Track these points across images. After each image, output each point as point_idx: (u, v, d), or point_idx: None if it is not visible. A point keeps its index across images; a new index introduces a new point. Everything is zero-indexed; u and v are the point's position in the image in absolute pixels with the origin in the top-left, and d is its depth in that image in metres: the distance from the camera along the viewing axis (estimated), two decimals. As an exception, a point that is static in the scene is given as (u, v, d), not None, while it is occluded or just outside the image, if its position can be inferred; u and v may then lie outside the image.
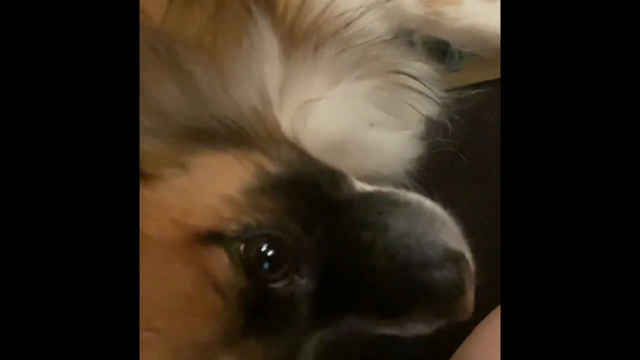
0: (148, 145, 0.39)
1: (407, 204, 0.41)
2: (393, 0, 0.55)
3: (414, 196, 0.42)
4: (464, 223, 0.43)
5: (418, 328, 0.39)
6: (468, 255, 0.40)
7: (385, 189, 0.43)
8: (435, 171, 0.53)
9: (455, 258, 0.39)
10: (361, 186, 0.44)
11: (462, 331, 0.51)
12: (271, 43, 0.45)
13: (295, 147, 0.44)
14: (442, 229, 0.40)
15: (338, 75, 0.47)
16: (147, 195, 0.38)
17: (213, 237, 0.38)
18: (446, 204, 0.43)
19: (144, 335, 0.35)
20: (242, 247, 0.37)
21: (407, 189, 0.51)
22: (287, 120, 0.45)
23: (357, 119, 0.47)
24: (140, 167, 0.39)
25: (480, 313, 0.50)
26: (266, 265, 0.38)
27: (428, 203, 0.42)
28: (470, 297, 0.40)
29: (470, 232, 0.45)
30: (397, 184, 0.51)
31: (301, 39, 0.47)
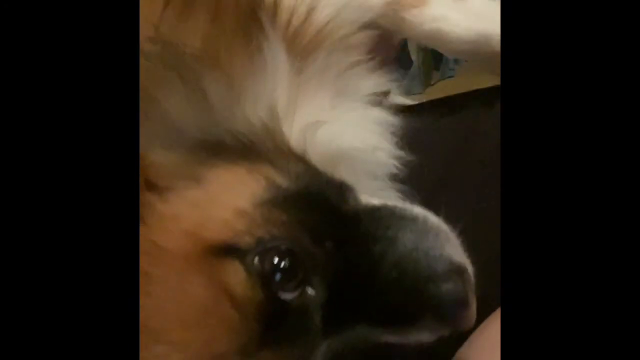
0: (161, 158, 0.40)
1: (413, 218, 0.42)
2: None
3: (419, 211, 0.43)
4: (462, 231, 0.45)
5: (422, 336, 0.41)
6: (470, 267, 0.42)
7: (391, 202, 0.44)
8: (432, 179, 0.55)
9: (460, 271, 0.40)
10: (366, 199, 0.45)
11: (460, 336, 0.53)
12: (281, 56, 0.46)
13: (302, 160, 0.45)
14: (446, 243, 0.41)
15: (343, 92, 0.48)
16: (162, 208, 0.39)
17: (228, 250, 0.38)
18: (443, 212, 0.45)
19: (160, 348, 0.36)
20: (257, 259, 0.38)
21: (407, 199, 0.52)
22: (295, 134, 0.45)
23: (363, 137, 0.48)
24: (154, 179, 0.40)
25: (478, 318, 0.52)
26: (278, 277, 0.38)
27: (433, 218, 0.43)
28: (473, 308, 0.41)
29: (466, 239, 0.46)
30: (397, 194, 0.53)
31: (307, 51, 0.48)
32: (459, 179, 0.59)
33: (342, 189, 0.44)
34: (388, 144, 0.51)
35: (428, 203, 0.47)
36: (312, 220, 0.40)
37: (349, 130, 0.48)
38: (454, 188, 0.59)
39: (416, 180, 0.53)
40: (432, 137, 0.59)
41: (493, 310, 0.52)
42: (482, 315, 0.51)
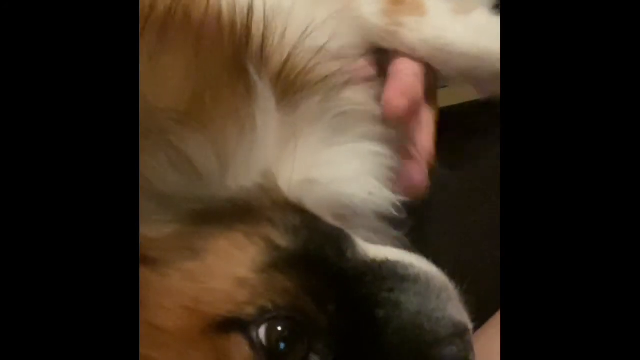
0: (154, 232, 0.38)
1: (416, 279, 0.41)
2: (355, 11, 0.51)
3: (421, 269, 0.42)
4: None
5: None
6: (470, 325, 0.42)
7: (391, 256, 0.43)
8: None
9: (461, 332, 0.40)
10: (364, 250, 0.43)
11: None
12: (271, 109, 0.43)
13: (298, 209, 0.43)
14: (448, 302, 0.41)
15: (338, 131, 0.46)
16: (157, 283, 0.37)
17: (230, 324, 0.37)
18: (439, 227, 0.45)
19: None
20: (260, 331, 0.37)
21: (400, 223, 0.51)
22: (291, 185, 0.43)
23: (358, 179, 0.46)
24: (147, 253, 0.37)
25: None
26: (283, 347, 0.37)
27: (435, 275, 0.42)
28: None
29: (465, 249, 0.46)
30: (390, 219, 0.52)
31: (300, 96, 0.45)
32: (457, 191, 0.58)
33: (340, 239, 0.43)
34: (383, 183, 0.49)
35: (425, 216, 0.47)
36: (314, 284, 0.39)
37: (344, 174, 0.46)
38: (452, 199, 0.58)
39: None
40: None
41: (493, 313, 0.53)
42: (483, 318, 0.52)
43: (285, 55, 0.44)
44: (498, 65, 0.51)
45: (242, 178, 0.41)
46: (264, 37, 0.44)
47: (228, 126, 0.41)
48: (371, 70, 0.52)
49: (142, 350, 0.35)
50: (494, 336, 0.45)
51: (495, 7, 0.55)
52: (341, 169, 0.45)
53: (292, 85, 0.44)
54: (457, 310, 0.41)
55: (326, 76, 0.45)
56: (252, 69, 0.41)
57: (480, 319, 0.43)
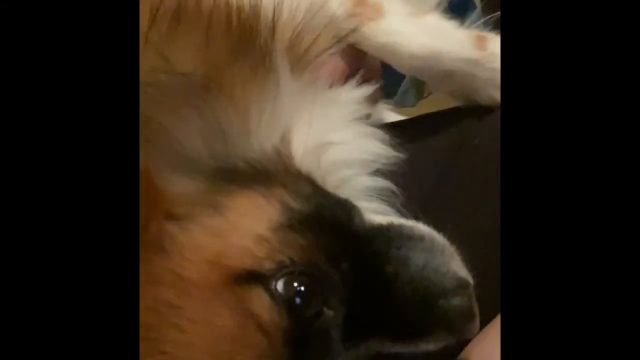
0: (179, 187, 0.40)
1: (421, 237, 0.44)
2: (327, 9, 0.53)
3: (424, 229, 0.45)
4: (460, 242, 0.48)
5: (430, 346, 0.43)
6: (471, 281, 0.44)
7: (396, 221, 0.46)
8: (426, 193, 0.57)
9: (465, 285, 0.43)
10: (369, 217, 0.46)
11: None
12: (286, 75, 0.46)
13: (309, 180, 0.46)
14: (451, 259, 0.44)
15: (338, 111, 0.49)
16: (182, 237, 0.39)
17: (251, 277, 0.39)
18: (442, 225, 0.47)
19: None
20: (279, 285, 0.39)
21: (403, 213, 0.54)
22: (301, 155, 0.46)
23: (361, 157, 0.50)
24: (173, 209, 0.40)
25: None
26: (299, 301, 0.39)
27: (437, 235, 0.45)
28: (477, 318, 0.44)
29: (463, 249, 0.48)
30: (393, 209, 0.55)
31: (305, 67, 0.49)
32: (452, 193, 0.60)
33: (347, 208, 0.46)
34: (385, 161, 0.52)
35: (424, 216, 0.49)
36: (327, 243, 0.41)
37: (349, 150, 0.50)
38: (447, 201, 0.60)
39: (410, 193, 0.55)
40: (424, 151, 0.60)
41: (493, 317, 0.54)
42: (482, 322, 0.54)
43: (296, 30, 0.47)
44: (448, 64, 0.55)
45: (262, 138, 0.43)
46: (274, 13, 0.46)
47: (248, 91, 0.43)
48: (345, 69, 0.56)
49: (170, 300, 0.37)
50: (493, 339, 0.48)
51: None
52: (345, 142, 0.49)
53: (299, 53, 0.47)
54: (459, 267, 0.44)
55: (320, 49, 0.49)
56: (265, 35, 0.44)
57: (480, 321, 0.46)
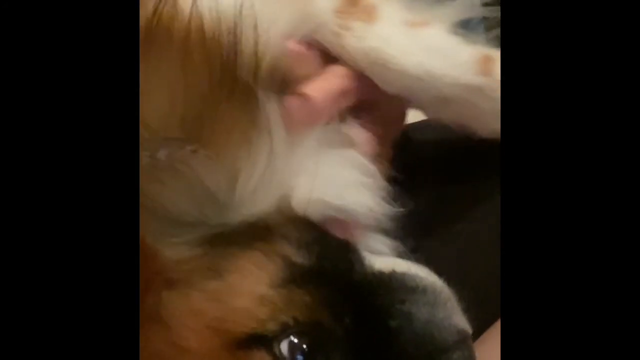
0: (177, 254, 0.39)
1: (424, 290, 0.43)
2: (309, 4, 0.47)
3: (427, 279, 0.44)
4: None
5: None
6: (470, 330, 0.44)
7: (398, 268, 0.44)
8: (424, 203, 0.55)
9: (465, 338, 0.43)
10: (370, 262, 0.45)
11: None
12: (277, 119, 0.43)
13: (307, 224, 0.44)
14: (453, 311, 0.43)
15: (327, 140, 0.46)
16: (182, 305, 0.38)
17: (253, 340, 0.38)
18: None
19: None
20: (284, 346, 0.38)
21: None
22: (297, 199, 0.44)
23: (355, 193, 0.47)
24: (171, 275, 0.39)
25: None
26: (301, 359, 0.39)
27: (439, 285, 0.44)
28: None
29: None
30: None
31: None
32: (450, 199, 0.59)
33: (348, 253, 0.45)
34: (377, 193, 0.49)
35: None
36: (330, 297, 0.41)
37: (341, 185, 0.46)
38: (447, 208, 0.59)
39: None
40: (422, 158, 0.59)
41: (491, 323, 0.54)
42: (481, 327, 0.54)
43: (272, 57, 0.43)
44: (443, 90, 0.48)
45: (258, 203, 0.42)
46: (255, 43, 0.42)
47: (236, 147, 0.41)
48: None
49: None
50: (493, 346, 0.47)
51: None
52: (335, 176, 0.46)
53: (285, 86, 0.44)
54: (460, 318, 0.43)
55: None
56: (246, 79, 0.41)
57: (479, 328, 0.45)
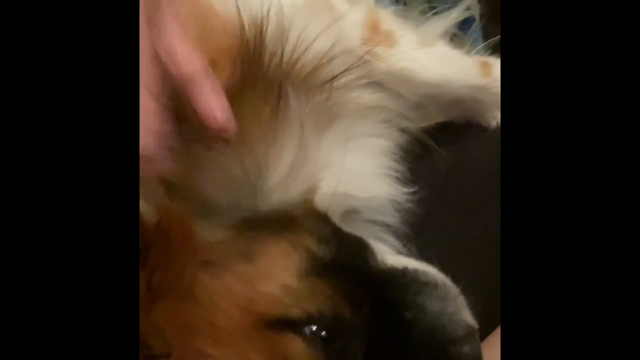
0: (212, 236, 0.41)
1: (435, 284, 0.46)
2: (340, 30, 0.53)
3: (437, 276, 0.47)
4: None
5: None
6: (476, 326, 0.46)
7: (410, 265, 0.47)
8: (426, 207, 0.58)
9: (473, 332, 0.45)
10: (382, 257, 0.47)
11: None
12: (304, 115, 0.46)
13: (326, 219, 0.47)
14: (462, 307, 0.46)
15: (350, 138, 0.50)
16: (214, 285, 0.40)
17: (282, 323, 0.40)
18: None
19: None
20: (309, 332, 0.40)
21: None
22: (318, 195, 0.47)
23: (371, 190, 0.51)
24: (206, 256, 0.40)
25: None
26: (326, 347, 0.40)
27: (448, 282, 0.47)
28: None
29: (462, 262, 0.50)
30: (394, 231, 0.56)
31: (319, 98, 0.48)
32: (452, 205, 0.62)
33: (362, 248, 0.47)
34: (393, 191, 0.54)
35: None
36: (349, 288, 0.43)
37: (359, 184, 0.50)
38: (448, 214, 0.62)
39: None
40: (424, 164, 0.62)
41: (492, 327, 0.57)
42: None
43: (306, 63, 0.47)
44: (457, 91, 0.59)
45: (288, 192, 0.44)
46: (283, 47, 0.46)
47: (266, 143, 0.44)
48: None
49: (204, 349, 0.38)
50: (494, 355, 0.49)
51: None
52: (355, 175, 0.49)
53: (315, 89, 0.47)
54: (468, 313, 0.46)
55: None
56: (284, 81, 0.44)
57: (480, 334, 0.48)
